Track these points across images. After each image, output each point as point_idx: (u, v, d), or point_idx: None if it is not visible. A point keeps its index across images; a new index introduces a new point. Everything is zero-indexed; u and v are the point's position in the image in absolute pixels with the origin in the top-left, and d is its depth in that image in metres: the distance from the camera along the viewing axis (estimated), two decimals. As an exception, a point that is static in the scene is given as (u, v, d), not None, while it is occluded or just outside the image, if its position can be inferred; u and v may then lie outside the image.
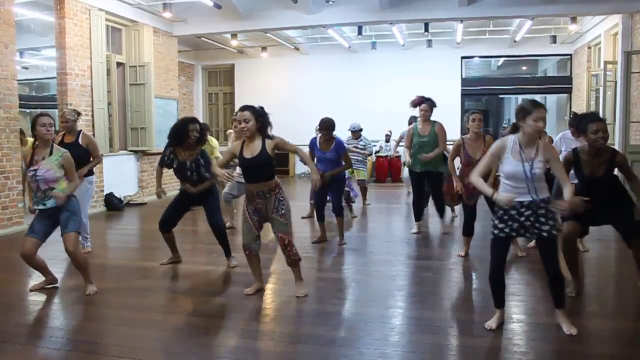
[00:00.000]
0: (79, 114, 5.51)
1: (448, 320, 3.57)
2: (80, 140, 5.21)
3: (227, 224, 6.45)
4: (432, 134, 5.83)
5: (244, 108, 3.81)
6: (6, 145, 6.55)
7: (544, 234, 3.14)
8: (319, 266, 5.01)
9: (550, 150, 3.20)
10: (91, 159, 5.28)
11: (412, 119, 8.13)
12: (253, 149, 3.80)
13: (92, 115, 8.18)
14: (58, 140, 5.03)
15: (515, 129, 3.23)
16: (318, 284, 4.38)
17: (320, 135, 5.57)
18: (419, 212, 6.26)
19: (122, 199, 8.72)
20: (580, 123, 3.68)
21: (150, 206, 8.82)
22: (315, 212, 5.81)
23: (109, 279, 4.62)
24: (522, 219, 3.16)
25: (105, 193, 8.44)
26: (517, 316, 3.57)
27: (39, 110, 5.43)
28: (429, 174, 5.94)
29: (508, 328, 3.32)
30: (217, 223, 4.74)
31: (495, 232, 3.21)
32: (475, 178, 3.27)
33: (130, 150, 9.39)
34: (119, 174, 8.87)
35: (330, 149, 5.45)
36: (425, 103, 5.81)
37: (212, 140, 6.95)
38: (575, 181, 3.78)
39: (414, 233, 6.18)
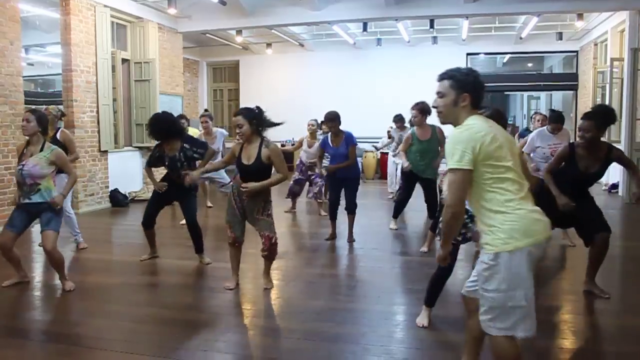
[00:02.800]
0: (63, 114, 5.72)
1: (452, 317, 3.56)
2: (58, 136, 5.27)
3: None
4: (434, 140, 5.66)
5: (237, 112, 3.82)
6: (12, 141, 6.58)
7: None
8: (323, 263, 5.01)
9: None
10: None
11: (397, 118, 8.01)
12: (250, 155, 3.83)
13: (97, 112, 8.19)
14: None
15: None
16: (322, 281, 4.38)
17: (330, 133, 5.56)
18: (400, 210, 6.28)
19: (127, 195, 8.75)
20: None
21: (155, 202, 8.82)
22: (328, 210, 5.81)
23: (114, 274, 4.64)
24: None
25: (110, 189, 8.47)
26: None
27: (44, 107, 5.48)
28: (428, 180, 5.83)
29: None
30: (192, 220, 4.78)
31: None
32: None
33: (135, 147, 9.40)
34: (124, 170, 8.89)
35: (340, 144, 5.45)
36: (414, 108, 5.67)
37: (190, 130, 7.15)
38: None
39: (394, 229, 6.21)
